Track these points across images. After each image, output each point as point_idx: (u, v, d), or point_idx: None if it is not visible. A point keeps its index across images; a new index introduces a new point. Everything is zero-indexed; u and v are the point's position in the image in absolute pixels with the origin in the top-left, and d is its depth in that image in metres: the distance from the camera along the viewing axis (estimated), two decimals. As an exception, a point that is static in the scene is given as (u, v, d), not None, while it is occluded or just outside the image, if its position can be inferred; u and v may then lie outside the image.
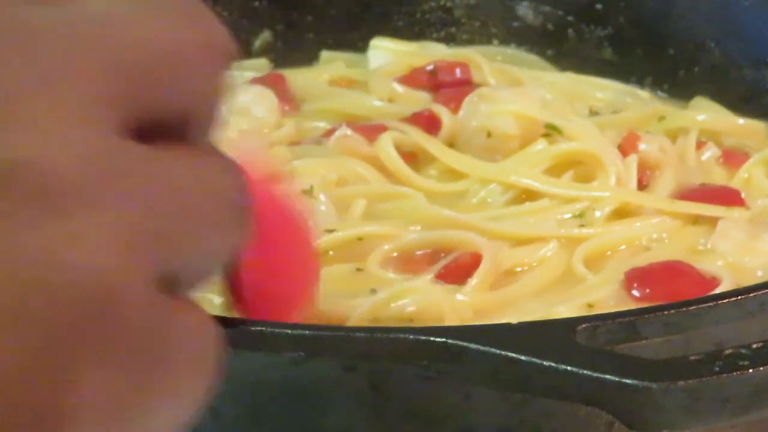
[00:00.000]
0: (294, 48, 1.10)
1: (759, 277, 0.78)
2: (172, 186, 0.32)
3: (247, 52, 1.09)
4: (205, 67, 0.34)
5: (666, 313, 0.58)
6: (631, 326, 0.57)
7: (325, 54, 1.09)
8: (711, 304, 0.59)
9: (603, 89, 1.04)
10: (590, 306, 0.74)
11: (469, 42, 1.11)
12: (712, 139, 0.93)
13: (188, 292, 0.35)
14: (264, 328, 0.57)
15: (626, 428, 0.53)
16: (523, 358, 0.53)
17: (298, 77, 1.03)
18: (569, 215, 0.84)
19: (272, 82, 0.99)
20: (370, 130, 0.91)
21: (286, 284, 0.59)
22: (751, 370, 0.52)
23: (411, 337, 0.55)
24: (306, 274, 0.60)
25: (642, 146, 0.88)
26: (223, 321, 0.58)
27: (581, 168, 0.87)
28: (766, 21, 1.01)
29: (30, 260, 0.29)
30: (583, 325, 0.56)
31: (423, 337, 0.55)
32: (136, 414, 0.32)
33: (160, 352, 0.32)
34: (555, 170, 0.87)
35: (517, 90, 0.94)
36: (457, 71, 0.99)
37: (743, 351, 0.53)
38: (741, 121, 0.97)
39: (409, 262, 0.78)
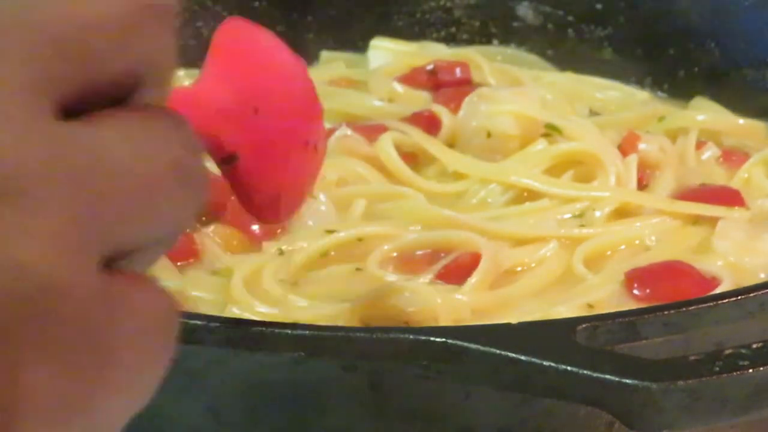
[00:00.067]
0: (294, 48, 1.09)
1: (759, 277, 0.78)
2: (111, 167, 0.31)
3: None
4: (140, 29, 0.33)
5: (666, 313, 0.58)
6: (631, 326, 0.57)
7: (325, 54, 1.09)
8: (711, 304, 0.59)
9: (603, 89, 1.04)
10: (590, 306, 0.74)
11: (469, 42, 1.11)
12: (712, 139, 0.93)
13: (147, 263, 0.34)
14: (264, 329, 0.57)
15: (626, 428, 0.54)
16: (523, 358, 0.53)
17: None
18: (569, 215, 0.84)
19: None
20: (370, 130, 0.90)
21: (295, 168, 0.56)
22: (751, 370, 0.52)
23: (411, 337, 0.55)
24: (312, 155, 0.57)
25: (642, 146, 0.88)
26: (222, 321, 0.58)
27: (581, 168, 0.87)
28: (766, 21, 1.01)
29: None
30: (583, 325, 0.56)
31: (423, 337, 0.55)
32: (87, 405, 0.32)
33: (108, 340, 0.31)
34: (555, 170, 0.87)
35: (517, 90, 0.94)
36: (457, 71, 0.99)
37: (743, 351, 0.53)
38: (741, 121, 0.97)
39: (409, 263, 0.78)
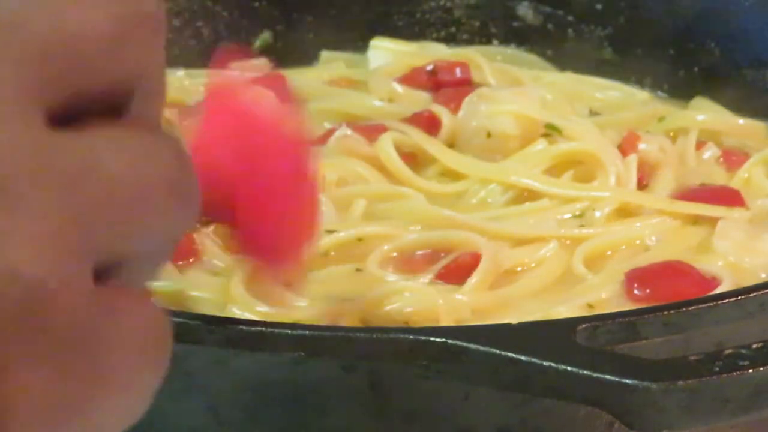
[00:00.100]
0: (294, 48, 1.10)
1: (759, 277, 0.78)
2: (102, 175, 0.32)
3: (247, 52, 1.09)
4: (130, 40, 0.33)
5: (666, 313, 0.58)
6: (631, 326, 0.57)
7: (325, 54, 1.09)
8: (711, 304, 0.59)
9: (603, 89, 1.04)
10: (590, 306, 0.74)
11: (469, 42, 1.11)
12: (712, 139, 0.93)
13: (142, 278, 0.35)
14: (264, 329, 0.57)
15: (626, 428, 0.53)
16: (523, 358, 0.53)
17: (298, 77, 1.03)
18: (569, 215, 0.84)
19: (272, 83, 0.99)
20: (370, 130, 0.90)
21: (287, 215, 0.58)
22: (751, 370, 0.52)
23: (411, 337, 0.55)
24: (307, 206, 0.59)
25: (642, 146, 0.88)
26: (222, 321, 0.58)
27: (581, 168, 0.87)
28: (766, 21, 1.01)
29: None
30: (583, 325, 0.56)
31: (423, 337, 0.55)
32: (80, 410, 0.32)
33: (99, 348, 0.32)
34: (555, 170, 0.87)
35: (517, 90, 0.94)
36: (457, 71, 0.99)
37: (743, 351, 0.53)
38: (741, 121, 0.97)
39: (409, 263, 0.78)
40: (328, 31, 1.10)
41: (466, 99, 0.91)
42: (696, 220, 0.84)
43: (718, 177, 0.90)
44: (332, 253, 0.79)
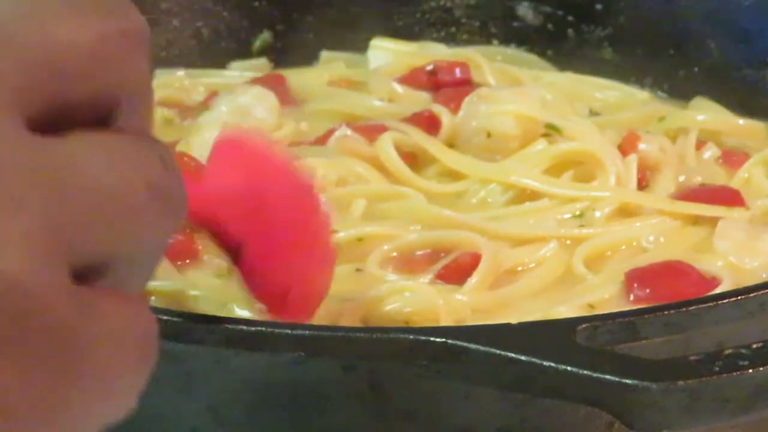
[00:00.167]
0: (294, 48, 1.10)
1: (760, 277, 0.78)
2: (79, 177, 0.32)
3: (247, 52, 1.09)
4: (110, 55, 0.34)
5: (666, 313, 0.58)
6: (631, 326, 0.57)
7: (325, 54, 1.09)
8: (711, 304, 0.59)
9: (603, 89, 1.04)
10: (591, 306, 0.74)
11: (469, 42, 1.11)
12: (712, 139, 0.93)
13: (133, 280, 0.35)
14: (264, 328, 0.57)
15: (626, 428, 0.53)
16: (523, 358, 0.53)
17: (298, 77, 1.03)
18: (569, 215, 0.84)
19: (272, 83, 0.99)
20: (370, 130, 0.90)
21: (302, 269, 0.59)
22: (751, 370, 0.52)
23: (411, 337, 0.55)
24: (321, 259, 0.60)
25: (642, 146, 0.88)
26: (222, 321, 0.58)
27: (581, 168, 0.87)
28: (766, 21, 1.01)
29: None
30: (583, 325, 0.56)
31: (423, 337, 0.55)
32: (58, 408, 0.32)
33: (77, 346, 0.32)
34: (555, 170, 0.87)
35: (517, 90, 0.94)
36: (457, 71, 0.99)
37: (743, 351, 0.53)
38: (741, 121, 0.97)
39: (409, 263, 0.78)
40: (328, 31, 1.10)
41: (466, 99, 0.91)
42: (696, 220, 0.84)
43: (718, 177, 0.89)
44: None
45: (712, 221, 0.83)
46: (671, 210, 0.84)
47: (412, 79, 1.00)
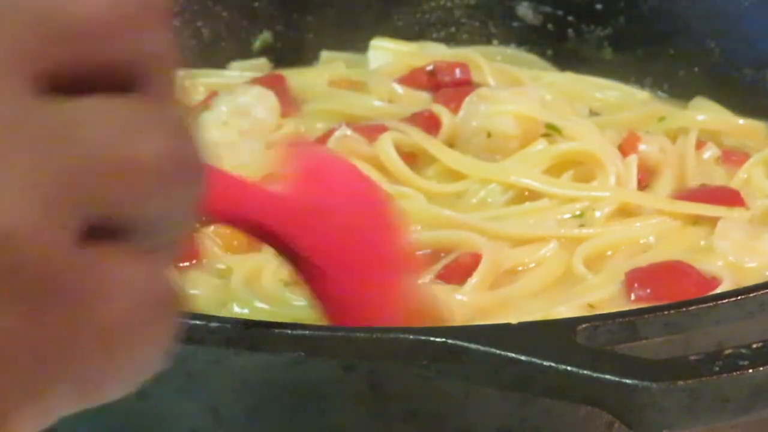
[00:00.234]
0: (294, 48, 1.10)
1: (760, 277, 0.78)
2: (87, 138, 0.32)
3: (247, 52, 1.09)
4: (132, 23, 0.33)
5: (666, 313, 0.58)
6: (631, 326, 0.57)
7: (325, 54, 1.09)
8: (711, 304, 0.59)
9: (603, 89, 1.04)
10: (591, 306, 0.74)
11: (469, 42, 1.11)
12: (712, 139, 0.93)
13: (158, 244, 0.34)
14: (264, 329, 0.57)
15: (626, 428, 0.53)
16: (523, 358, 0.53)
17: (298, 77, 1.03)
18: (569, 215, 0.84)
19: (272, 83, 0.99)
20: (370, 131, 0.90)
21: (371, 282, 0.60)
22: (751, 370, 0.52)
23: (411, 337, 0.55)
24: (392, 270, 0.60)
25: (642, 146, 0.88)
26: (222, 321, 0.58)
27: (581, 168, 0.87)
28: (766, 21, 1.01)
29: None
30: (583, 325, 0.56)
31: (423, 337, 0.55)
32: (62, 363, 0.32)
33: (77, 302, 0.32)
34: (555, 170, 0.87)
35: (517, 90, 0.94)
36: (457, 71, 0.99)
37: (743, 351, 0.53)
38: (741, 121, 0.97)
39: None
40: (328, 31, 1.10)
41: (466, 99, 0.91)
42: (696, 220, 0.84)
43: (718, 177, 0.90)
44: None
45: (712, 221, 0.83)
46: (671, 210, 0.84)
47: (412, 79, 1.00)
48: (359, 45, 1.09)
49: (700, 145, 0.92)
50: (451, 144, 0.90)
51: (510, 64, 1.05)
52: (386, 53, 1.07)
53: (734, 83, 1.01)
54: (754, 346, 0.53)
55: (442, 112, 0.92)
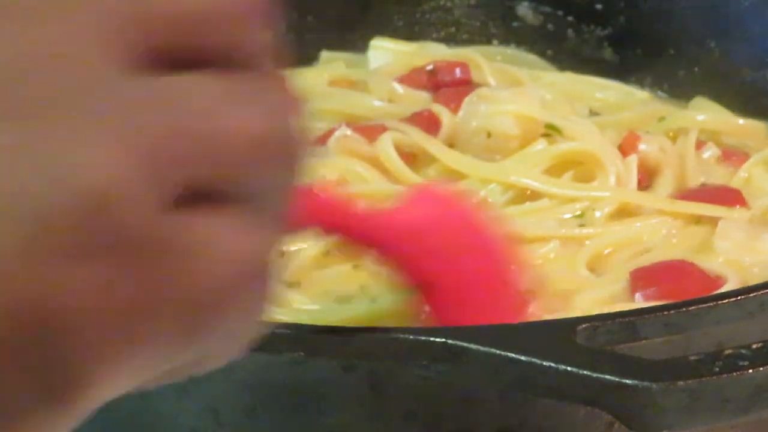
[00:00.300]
0: (294, 48, 1.09)
1: (763, 276, 0.78)
2: (183, 110, 0.32)
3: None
4: (236, 12, 0.34)
5: (666, 313, 0.58)
6: (631, 326, 0.57)
7: (325, 54, 1.09)
8: (711, 304, 0.59)
9: (603, 89, 1.04)
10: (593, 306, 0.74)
11: (469, 42, 1.11)
12: (712, 139, 0.93)
13: (266, 225, 0.35)
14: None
15: (626, 428, 0.53)
16: (523, 358, 0.53)
17: (298, 77, 1.03)
18: (569, 215, 0.84)
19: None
20: (370, 130, 0.90)
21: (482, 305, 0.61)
22: (751, 371, 0.52)
23: (411, 337, 0.55)
24: (504, 302, 0.62)
25: (642, 146, 0.88)
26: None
27: (581, 168, 0.87)
28: (766, 21, 1.01)
29: (32, 161, 0.30)
30: (583, 325, 0.56)
31: (423, 337, 0.55)
32: (147, 325, 0.32)
33: (166, 263, 0.32)
34: (555, 170, 0.87)
35: (517, 90, 0.94)
36: (457, 71, 0.99)
37: (743, 351, 0.53)
38: (741, 121, 0.97)
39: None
40: (328, 31, 1.10)
41: (466, 99, 0.91)
42: (698, 219, 0.84)
43: (719, 177, 0.89)
44: (334, 253, 0.79)
45: (714, 221, 0.83)
46: (671, 210, 0.84)
47: (412, 79, 1.00)
48: (359, 45, 1.09)
49: (700, 145, 0.92)
50: (451, 144, 0.90)
51: (510, 64, 1.05)
52: (386, 53, 1.07)
53: (734, 83, 1.01)
54: (754, 346, 0.53)
55: (442, 112, 0.92)
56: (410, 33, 1.10)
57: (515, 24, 1.11)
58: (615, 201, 0.84)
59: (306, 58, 1.09)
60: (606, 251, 0.81)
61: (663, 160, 0.88)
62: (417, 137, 0.90)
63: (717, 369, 0.52)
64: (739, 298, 0.59)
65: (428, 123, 0.92)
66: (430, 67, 1.00)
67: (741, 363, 0.52)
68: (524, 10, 1.10)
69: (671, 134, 0.93)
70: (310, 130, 0.36)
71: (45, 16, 0.31)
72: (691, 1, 1.03)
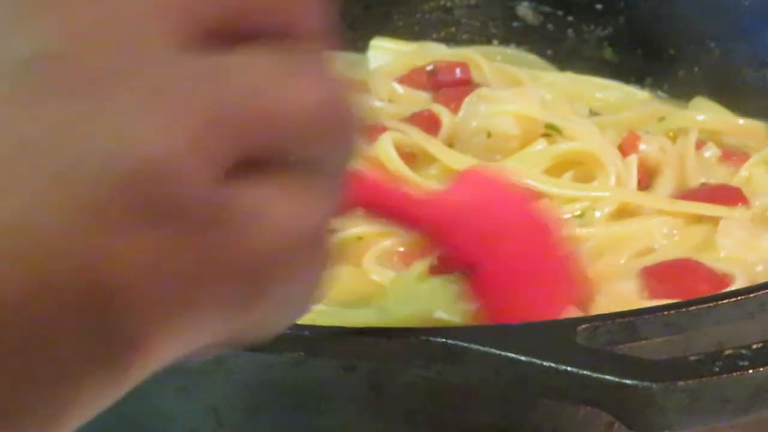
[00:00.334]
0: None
1: (767, 274, 0.78)
2: (244, 78, 0.33)
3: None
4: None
5: (666, 313, 0.58)
6: (631, 326, 0.57)
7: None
8: (711, 304, 0.59)
9: (603, 89, 1.04)
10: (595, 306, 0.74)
11: (469, 42, 1.11)
12: (712, 139, 0.93)
13: (322, 196, 0.35)
14: (264, 328, 0.57)
15: (626, 428, 0.53)
16: (523, 358, 0.53)
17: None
18: (569, 215, 0.84)
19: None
20: (370, 131, 0.90)
21: (532, 294, 0.61)
22: (751, 371, 0.52)
23: (411, 337, 0.55)
24: (556, 296, 0.62)
25: (642, 146, 0.88)
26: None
27: (581, 168, 0.87)
28: (766, 21, 1.01)
29: (92, 133, 0.31)
30: (583, 326, 0.56)
31: (423, 337, 0.55)
32: (201, 292, 0.32)
33: (222, 234, 0.32)
34: (555, 170, 0.87)
35: (517, 90, 0.94)
36: (457, 71, 0.99)
37: (743, 351, 0.53)
38: (741, 121, 0.97)
39: (408, 259, 0.78)
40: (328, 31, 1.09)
41: (466, 99, 0.91)
42: (699, 218, 0.84)
43: (719, 177, 0.89)
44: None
45: (715, 219, 0.83)
46: (672, 210, 0.84)
47: (412, 79, 1.00)
48: (359, 45, 1.09)
49: (700, 145, 0.92)
50: (451, 144, 0.90)
51: (510, 64, 1.05)
52: (386, 53, 1.07)
53: (734, 83, 1.01)
54: (755, 346, 0.53)
55: (442, 112, 0.92)
56: (410, 33, 1.10)
57: (515, 24, 1.11)
58: (615, 201, 0.84)
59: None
60: (608, 252, 0.81)
61: (663, 160, 0.88)
62: (417, 137, 0.90)
63: (717, 369, 0.52)
64: (739, 298, 0.59)
65: (428, 123, 0.92)
66: (430, 67, 1.00)
67: (741, 363, 0.52)
68: (524, 10, 1.10)
69: (671, 134, 0.93)
70: (362, 107, 0.36)
71: None
72: (691, 2, 1.03)
